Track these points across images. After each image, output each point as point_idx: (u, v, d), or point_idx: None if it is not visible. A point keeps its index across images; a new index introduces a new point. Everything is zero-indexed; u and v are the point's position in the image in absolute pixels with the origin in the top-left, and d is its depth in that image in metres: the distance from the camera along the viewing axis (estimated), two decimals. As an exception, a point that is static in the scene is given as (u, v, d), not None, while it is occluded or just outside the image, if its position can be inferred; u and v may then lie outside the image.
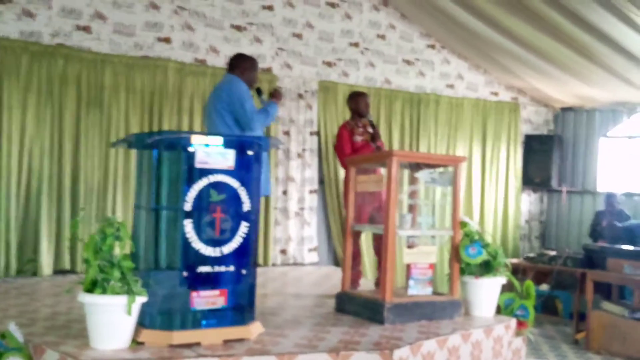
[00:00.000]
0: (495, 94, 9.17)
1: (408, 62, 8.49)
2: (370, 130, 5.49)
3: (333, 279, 6.24)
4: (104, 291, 3.10)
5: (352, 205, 4.67)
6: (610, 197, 8.13)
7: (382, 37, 8.30)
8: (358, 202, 4.84)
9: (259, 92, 4.78)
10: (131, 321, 3.19)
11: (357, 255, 5.35)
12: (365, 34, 8.18)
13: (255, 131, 4.63)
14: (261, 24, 7.48)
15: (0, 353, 3.07)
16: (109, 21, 6.60)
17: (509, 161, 9.18)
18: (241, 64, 4.71)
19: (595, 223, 8.21)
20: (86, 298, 3.12)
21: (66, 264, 6.21)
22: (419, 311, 4.20)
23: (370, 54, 8.22)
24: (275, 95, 4.95)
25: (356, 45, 8.14)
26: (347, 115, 7.84)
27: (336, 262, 7.81)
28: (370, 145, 5.42)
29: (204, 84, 7.03)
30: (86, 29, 6.48)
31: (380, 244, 4.58)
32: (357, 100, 5.58)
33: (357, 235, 5.17)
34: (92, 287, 3.13)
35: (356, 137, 5.44)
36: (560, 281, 7.56)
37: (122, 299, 3.11)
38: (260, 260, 7.18)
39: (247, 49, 7.33)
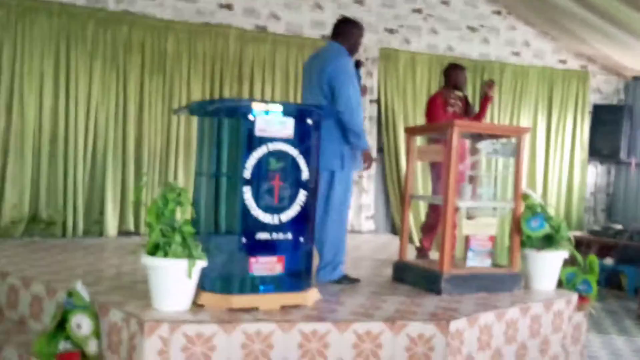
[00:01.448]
0: (563, 62, 8.85)
1: (472, 29, 8.27)
2: (460, 103, 5.51)
3: (391, 247, 6.23)
4: (166, 255, 3.18)
5: (412, 175, 4.63)
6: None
7: (446, 2, 8.10)
8: (438, 174, 4.80)
9: (357, 65, 4.53)
10: (192, 284, 3.26)
11: (434, 227, 5.34)
12: (429, 0, 7.99)
13: (353, 118, 4.21)
14: (323, -10, 7.41)
15: (67, 310, 3.20)
16: (172, -13, 6.66)
17: (575, 132, 8.88)
18: (347, 30, 4.38)
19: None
20: (149, 261, 3.21)
21: (130, 226, 6.41)
22: (476, 283, 4.15)
23: (433, 20, 8.04)
24: (367, 157, 4.44)
25: (419, 11, 7.97)
26: (409, 82, 7.85)
27: (394, 230, 7.79)
28: (463, 118, 5.39)
29: (264, 50, 7.04)
30: (150, -5, 6.57)
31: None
32: (457, 72, 5.60)
33: (437, 207, 5.12)
34: (154, 250, 3.21)
35: (448, 107, 5.44)
36: (626, 255, 7.35)
37: (183, 263, 3.18)
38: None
39: (308, 16, 7.30)
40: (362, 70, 4.59)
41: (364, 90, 4.53)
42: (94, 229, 6.27)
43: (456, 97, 5.56)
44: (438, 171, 5.15)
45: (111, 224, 6.28)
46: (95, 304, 3.31)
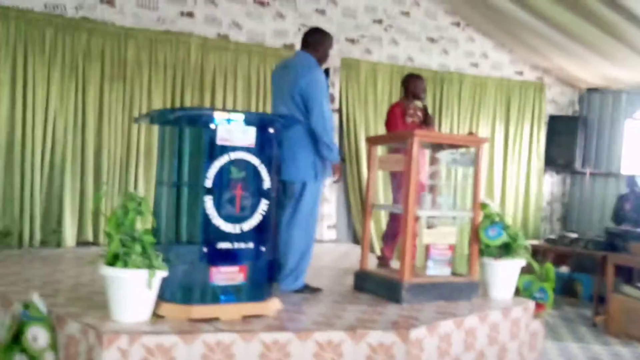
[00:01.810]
0: (520, 73, 9.05)
1: (432, 40, 8.40)
2: (419, 113, 5.56)
3: (352, 257, 6.26)
4: (126, 265, 3.15)
5: (373, 184, 4.67)
6: (631, 180, 8.01)
7: (406, 14, 8.21)
8: (398, 183, 4.84)
9: (326, 73, 4.56)
10: (152, 295, 3.23)
11: (395, 236, 5.37)
12: (389, 11, 8.09)
13: (326, 132, 4.22)
14: (284, 0, 7.44)
15: (23, 323, 3.14)
16: (133, -5, 6.61)
17: (532, 142, 9.08)
18: (317, 41, 4.42)
19: (618, 206, 8.12)
20: (108, 271, 3.17)
21: (89, 236, 6.31)
22: (436, 292, 4.20)
23: (393, 31, 8.14)
24: (338, 170, 4.44)
25: (380, 22, 8.06)
26: (370, 93, 7.91)
27: (355, 239, 7.83)
28: (422, 128, 5.44)
29: (226, 59, 7.03)
30: (110, 2, 6.50)
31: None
32: (415, 82, 5.63)
33: (397, 216, 5.16)
34: (113, 260, 3.18)
35: (407, 118, 5.49)
36: (581, 264, 7.52)
37: (143, 273, 3.15)
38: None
39: (270, 25, 7.32)
40: (329, 80, 4.64)
41: (330, 98, 4.55)
42: (51, 240, 6.15)
43: (415, 107, 5.62)
44: (399, 180, 5.20)
45: (69, 234, 6.18)
46: (52, 315, 3.26)
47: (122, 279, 3.15)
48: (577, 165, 9.08)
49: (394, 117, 5.53)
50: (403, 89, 5.72)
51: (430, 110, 6.05)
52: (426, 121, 5.59)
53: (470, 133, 5.92)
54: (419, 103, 5.66)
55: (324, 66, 4.54)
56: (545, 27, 7.57)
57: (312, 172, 4.28)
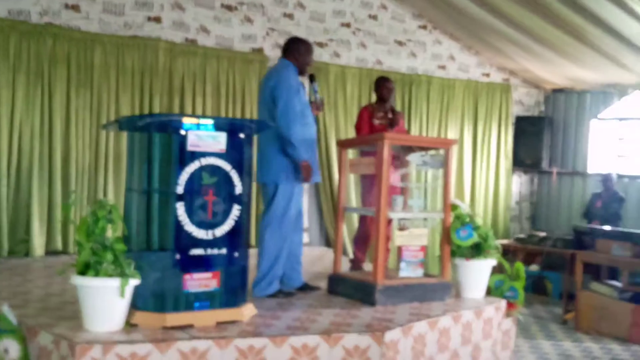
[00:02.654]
0: (487, 75, 9.16)
1: (400, 43, 8.45)
2: (390, 115, 5.59)
3: (325, 260, 6.27)
4: (97, 274, 3.12)
5: (344, 187, 4.69)
6: (606, 178, 8.14)
7: (374, 17, 8.25)
8: (368, 186, 4.85)
9: (312, 78, 4.62)
10: (124, 303, 3.20)
11: (365, 238, 5.38)
12: (357, 14, 8.13)
13: (289, 129, 4.22)
14: (252, 4, 7.42)
15: (-7, 335, 3.09)
16: (98, 0, 6.52)
17: (500, 142, 9.19)
18: (295, 48, 4.49)
19: (590, 204, 8.25)
20: (79, 281, 3.13)
21: (58, 245, 6.21)
22: (410, 293, 4.23)
23: (361, 34, 8.18)
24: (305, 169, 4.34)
25: (348, 25, 8.09)
26: (340, 96, 7.93)
27: (328, 243, 7.84)
28: (388, 130, 5.47)
29: (195, 64, 6.99)
30: (75, 8, 6.42)
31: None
32: (383, 85, 5.70)
33: (368, 218, 5.18)
34: (84, 269, 3.14)
35: (375, 120, 5.53)
36: (550, 262, 7.63)
37: (115, 282, 3.12)
38: (252, 241, 7.19)
39: (238, 29, 7.30)
40: (316, 84, 4.67)
41: (321, 103, 4.61)
42: (19, 249, 6.05)
43: (384, 109, 5.66)
44: (368, 183, 5.23)
45: (38, 244, 6.07)
46: (23, 327, 3.21)
47: (94, 287, 3.12)
48: (544, 165, 9.21)
49: (362, 119, 5.59)
50: (375, 92, 5.79)
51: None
52: (393, 122, 5.61)
53: (393, 113, 5.70)
54: (388, 105, 5.70)
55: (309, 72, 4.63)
56: (510, 30, 7.67)
57: (284, 174, 4.29)
